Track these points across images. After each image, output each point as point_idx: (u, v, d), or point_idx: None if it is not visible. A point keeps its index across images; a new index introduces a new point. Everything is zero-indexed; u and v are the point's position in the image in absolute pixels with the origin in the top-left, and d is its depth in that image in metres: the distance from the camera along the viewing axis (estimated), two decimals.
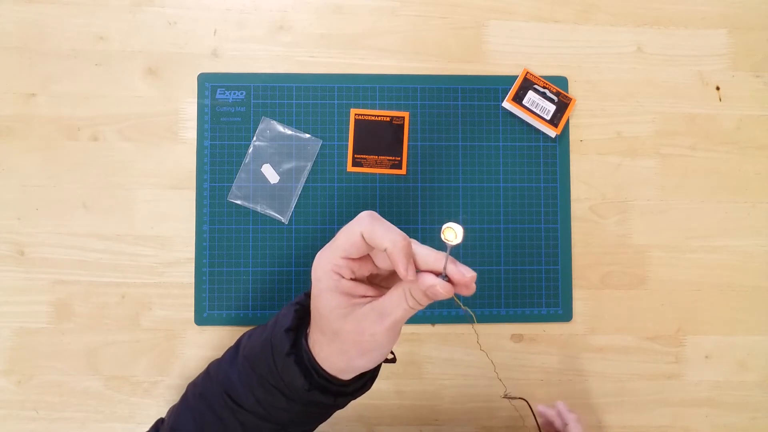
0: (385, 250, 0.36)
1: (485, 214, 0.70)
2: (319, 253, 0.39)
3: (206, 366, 0.48)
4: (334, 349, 0.39)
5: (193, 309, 0.68)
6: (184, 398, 0.48)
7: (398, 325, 0.38)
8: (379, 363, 0.42)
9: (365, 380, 0.44)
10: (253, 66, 0.71)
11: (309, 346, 0.41)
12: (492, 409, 0.69)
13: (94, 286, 0.68)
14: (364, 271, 0.39)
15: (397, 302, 0.38)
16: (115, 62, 0.70)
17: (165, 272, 0.69)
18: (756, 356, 0.71)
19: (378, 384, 0.50)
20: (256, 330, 0.45)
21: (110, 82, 0.70)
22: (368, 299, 0.39)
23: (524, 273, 0.70)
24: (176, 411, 0.47)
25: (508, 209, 0.70)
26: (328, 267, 0.38)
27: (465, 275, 0.36)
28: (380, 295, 0.39)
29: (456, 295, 0.37)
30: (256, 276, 0.69)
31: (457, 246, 0.35)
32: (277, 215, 0.69)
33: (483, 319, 0.70)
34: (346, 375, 0.41)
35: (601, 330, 0.70)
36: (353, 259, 0.38)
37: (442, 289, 0.37)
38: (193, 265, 0.68)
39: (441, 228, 0.35)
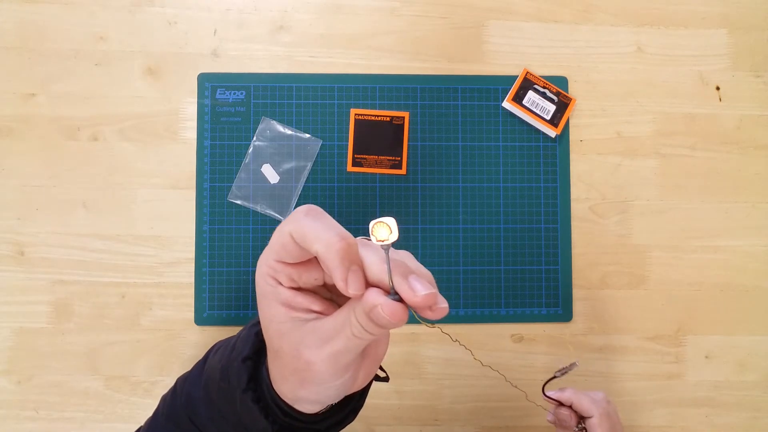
0: (317, 254, 0.27)
1: (485, 214, 0.70)
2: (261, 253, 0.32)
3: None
4: (276, 373, 0.32)
5: (193, 309, 0.68)
6: (155, 415, 0.42)
7: (342, 356, 0.29)
8: (332, 399, 0.32)
9: (346, 413, 0.35)
10: (253, 66, 0.71)
11: (268, 370, 0.33)
12: (492, 409, 0.69)
13: (94, 286, 0.68)
14: (310, 278, 0.30)
15: (340, 326, 0.29)
16: (115, 62, 0.70)
17: (165, 272, 0.69)
18: (756, 356, 0.71)
19: (378, 384, 0.50)
20: (222, 344, 0.37)
21: (110, 82, 0.70)
22: (314, 315, 0.30)
23: (524, 273, 0.70)
24: (148, 426, 0.42)
25: (508, 209, 0.70)
26: (263, 270, 0.30)
27: (417, 293, 0.26)
28: (331, 311, 0.31)
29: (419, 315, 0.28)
30: None
31: (389, 245, 0.27)
32: (277, 215, 0.69)
33: (483, 319, 0.70)
34: (301, 407, 0.32)
35: (601, 330, 0.70)
36: (292, 265, 0.30)
37: (385, 311, 0.26)
38: (193, 265, 0.68)
39: (369, 226, 0.27)
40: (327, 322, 0.29)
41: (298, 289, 0.31)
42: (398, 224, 0.27)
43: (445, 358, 0.69)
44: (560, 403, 0.56)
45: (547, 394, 0.56)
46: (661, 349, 0.71)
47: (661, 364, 0.71)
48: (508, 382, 0.48)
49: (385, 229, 0.27)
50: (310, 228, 0.28)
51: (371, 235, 0.27)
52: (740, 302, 0.71)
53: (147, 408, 0.68)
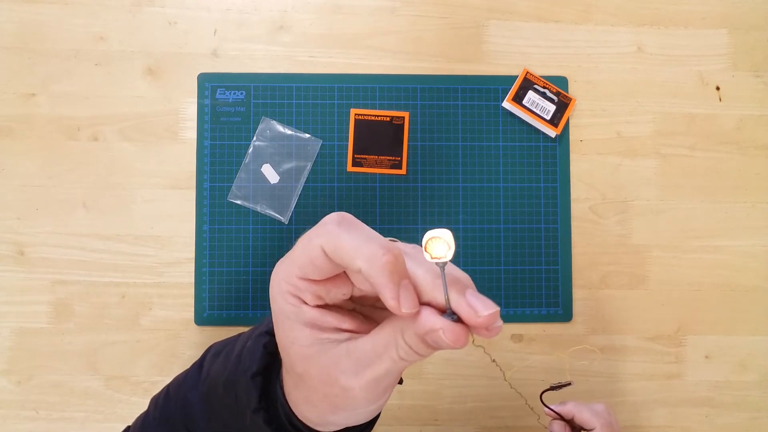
0: (359, 271, 0.24)
1: (485, 214, 0.70)
2: (277, 264, 0.28)
3: (169, 382, 0.40)
4: (300, 397, 0.28)
5: (193, 309, 0.68)
6: (147, 416, 0.40)
7: (383, 380, 0.26)
8: (363, 422, 0.30)
9: (362, 426, 0.32)
10: (253, 66, 0.71)
11: (284, 388, 0.30)
12: (492, 409, 0.69)
13: (94, 286, 0.68)
14: (338, 294, 0.27)
15: (382, 348, 0.25)
16: (115, 62, 0.70)
17: (165, 272, 0.69)
18: (756, 356, 0.71)
19: None
20: (223, 348, 0.35)
21: (110, 82, 0.70)
22: (345, 335, 0.27)
23: (524, 273, 0.70)
24: (139, 429, 0.40)
25: (508, 209, 0.70)
26: (283, 287, 0.26)
27: (479, 313, 0.24)
28: (364, 330, 0.27)
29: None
30: (256, 276, 0.69)
31: (446, 263, 0.24)
32: (277, 215, 0.69)
33: None
34: (325, 428, 0.29)
35: (601, 330, 0.70)
36: (318, 281, 0.26)
37: (447, 337, 0.24)
38: (193, 265, 0.68)
39: (422, 241, 0.24)
40: (364, 343, 0.26)
41: (324, 306, 0.27)
42: (453, 236, 0.24)
43: (445, 358, 0.69)
44: (561, 417, 0.56)
45: (549, 407, 0.56)
46: (661, 349, 0.71)
47: (661, 364, 0.71)
48: (523, 399, 0.47)
49: (442, 245, 0.23)
50: (347, 241, 0.24)
51: (425, 252, 0.24)
52: (740, 302, 0.71)
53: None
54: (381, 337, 0.26)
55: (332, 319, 0.27)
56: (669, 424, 0.70)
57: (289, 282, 0.26)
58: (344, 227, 0.25)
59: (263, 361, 0.30)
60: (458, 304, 0.24)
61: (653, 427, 0.70)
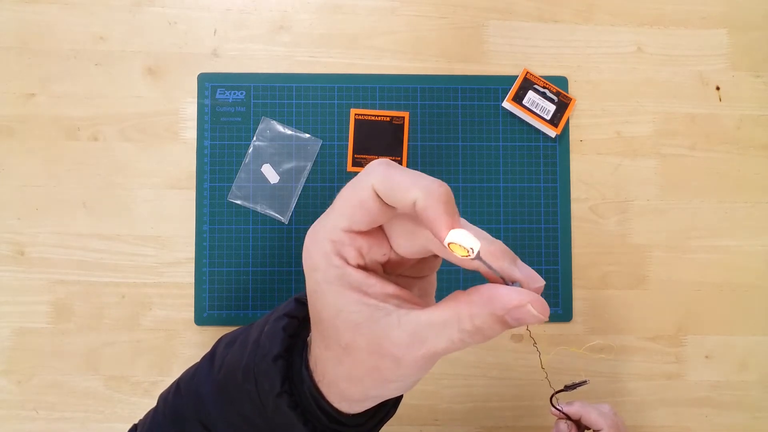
0: (413, 204, 0.23)
1: (485, 214, 0.70)
2: (311, 229, 0.26)
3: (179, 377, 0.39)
4: (342, 373, 0.27)
5: (193, 309, 0.68)
6: (156, 413, 0.39)
7: (438, 357, 0.25)
8: (404, 392, 0.29)
9: (388, 408, 0.32)
10: (253, 66, 0.71)
11: (310, 368, 0.29)
12: (492, 409, 0.69)
13: (94, 286, 0.68)
14: (377, 254, 0.26)
15: (441, 326, 0.24)
16: (115, 62, 0.70)
17: (165, 272, 0.69)
18: (756, 356, 0.71)
19: None
20: (236, 337, 0.33)
21: (110, 82, 0.70)
22: (393, 301, 0.26)
23: None
24: (148, 427, 0.39)
25: (508, 209, 0.70)
26: (327, 246, 0.25)
27: (533, 285, 0.24)
28: (409, 298, 0.26)
29: None
30: (256, 276, 0.69)
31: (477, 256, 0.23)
32: (277, 215, 0.69)
33: None
34: (360, 407, 0.29)
35: (601, 330, 0.70)
36: (361, 234, 0.25)
37: (537, 308, 0.23)
38: (193, 265, 0.68)
39: (447, 244, 0.23)
40: (420, 317, 0.25)
41: (365, 269, 0.26)
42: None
43: (444, 358, 0.69)
44: (568, 417, 0.56)
45: (557, 407, 0.56)
46: (661, 349, 0.71)
47: (662, 364, 0.71)
48: (552, 388, 0.46)
49: (467, 238, 0.22)
50: (400, 176, 0.23)
51: (453, 252, 0.23)
52: (740, 302, 0.71)
53: (147, 408, 0.68)
54: (440, 314, 0.24)
55: (377, 282, 0.26)
56: (669, 424, 0.70)
57: (334, 238, 0.25)
58: (393, 166, 0.24)
59: (284, 344, 0.29)
60: (520, 275, 0.24)
61: (653, 427, 0.70)
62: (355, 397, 0.27)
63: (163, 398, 0.39)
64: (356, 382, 0.26)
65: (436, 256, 0.28)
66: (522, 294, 0.23)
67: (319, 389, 0.28)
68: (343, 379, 0.27)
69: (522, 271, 0.24)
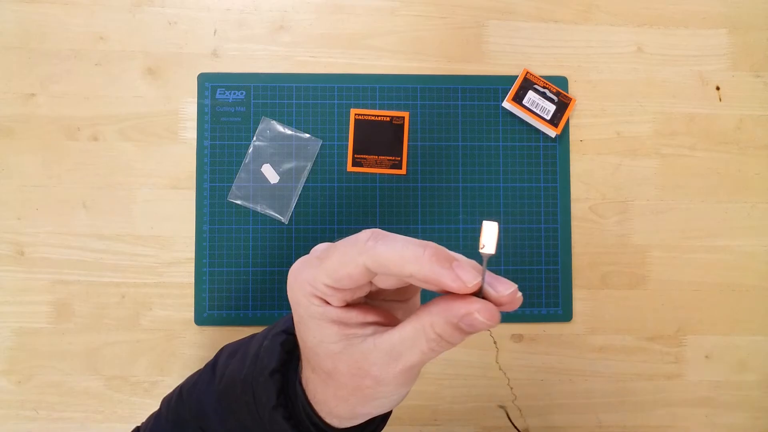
0: (410, 275, 0.25)
1: (485, 214, 0.70)
2: (295, 266, 0.29)
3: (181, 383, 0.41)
4: (329, 394, 0.29)
5: (193, 309, 0.68)
6: (159, 417, 0.41)
7: (415, 369, 0.27)
8: (391, 408, 0.31)
9: (377, 422, 0.34)
10: (253, 66, 0.71)
11: (303, 386, 0.31)
12: (492, 409, 0.69)
13: (94, 286, 0.68)
14: (360, 293, 0.28)
15: (411, 341, 0.27)
16: (115, 62, 0.70)
17: (165, 272, 0.69)
18: (756, 356, 0.71)
19: None
20: (238, 349, 0.36)
21: (110, 82, 0.70)
22: (371, 327, 0.28)
23: (524, 273, 0.70)
24: (150, 430, 0.40)
25: (508, 209, 0.70)
26: (308, 290, 0.28)
27: (503, 293, 0.26)
28: (387, 322, 0.29)
29: None
30: (256, 276, 0.69)
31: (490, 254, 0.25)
32: (277, 215, 0.69)
33: None
34: (350, 423, 0.31)
35: (601, 330, 0.70)
36: (345, 289, 0.27)
37: (484, 316, 0.25)
38: (193, 265, 0.68)
39: (486, 233, 0.26)
40: (391, 337, 0.27)
41: (349, 306, 0.28)
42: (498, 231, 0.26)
43: (445, 358, 0.69)
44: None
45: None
46: (661, 349, 0.71)
47: (661, 364, 0.71)
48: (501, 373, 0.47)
49: (493, 238, 0.26)
50: (388, 252, 0.25)
51: (491, 246, 0.25)
52: (740, 302, 0.71)
53: (147, 408, 0.68)
54: (408, 330, 0.27)
55: (357, 314, 0.28)
56: (669, 424, 0.70)
57: (316, 287, 0.27)
58: (381, 242, 0.26)
59: (281, 359, 0.31)
60: (486, 287, 0.26)
61: (653, 427, 0.70)
62: (344, 415, 0.29)
63: (166, 402, 0.40)
64: (343, 401, 0.28)
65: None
66: (471, 303, 0.25)
67: (312, 405, 0.30)
68: (331, 398, 0.29)
69: (495, 282, 0.26)
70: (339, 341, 0.27)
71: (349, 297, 0.28)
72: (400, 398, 0.30)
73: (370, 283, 0.28)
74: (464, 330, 0.26)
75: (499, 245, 0.70)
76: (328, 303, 0.28)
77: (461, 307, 0.25)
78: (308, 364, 0.30)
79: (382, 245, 0.26)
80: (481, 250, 0.25)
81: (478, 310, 0.25)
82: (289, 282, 0.29)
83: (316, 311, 0.28)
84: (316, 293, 0.27)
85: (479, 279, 0.25)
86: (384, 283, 0.28)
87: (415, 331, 0.26)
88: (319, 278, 0.27)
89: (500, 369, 0.43)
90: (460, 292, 0.25)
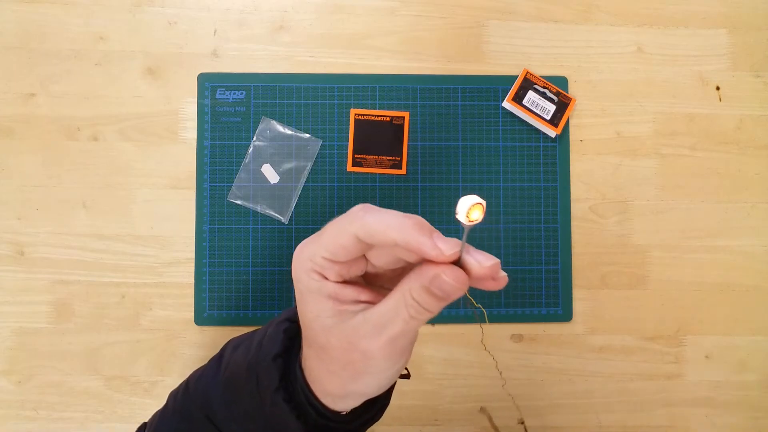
0: (395, 242, 0.27)
1: (485, 214, 0.70)
2: (300, 245, 0.31)
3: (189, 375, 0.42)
4: (323, 369, 0.31)
5: (193, 309, 0.68)
6: (165, 410, 0.42)
7: (399, 341, 0.29)
8: (383, 389, 0.32)
9: (374, 411, 0.35)
10: (253, 66, 0.71)
11: (302, 367, 0.33)
12: (492, 409, 0.69)
13: (94, 286, 0.68)
14: (356, 270, 0.31)
15: (394, 310, 0.28)
16: (115, 62, 0.70)
17: (165, 272, 0.69)
18: (756, 356, 0.71)
19: None
20: (242, 341, 0.37)
21: (110, 82, 0.70)
22: (362, 306, 0.30)
23: (524, 273, 0.70)
24: (157, 424, 0.41)
25: (508, 209, 0.70)
26: (308, 266, 0.30)
27: (483, 264, 0.27)
28: (379, 301, 0.30)
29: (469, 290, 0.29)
30: (256, 276, 0.69)
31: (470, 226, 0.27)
32: (277, 215, 0.69)
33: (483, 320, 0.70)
34: (344, 404, 0.32)
35: (601, 330, 0.70)
36: (342, 262, 0.30)
37: (450, 277, 0.27)
38: (193, 265, 0.69)
39: (460, 204, 0.27)
40: (378, 309, 0.29)
41: (343, 282, 0.30)
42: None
43: (445, 358, 0.69)
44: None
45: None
46: (661, 349, 0.71)
47: (661, 364, 0.71)
48: (497, 372, 0.47)
49: (479, 211, 0.27)
50: (376, 223, 0.28)
51: (462, 215, 0.26)
52: (740, 302, 0.71)
53: (147, 408, 0.68)
54: (392, 300, 0.29)
55: (351, 291, 0.30)
56: (669, 424, 0.70)
57: (315, 261, 0.29)
58: (369, 213, 0.28)
59: (284, 345, 0.33)
60: (466, 259, 0.27)
61: (653, 427, 0.70)
62: (336, 392, 0.31)
63: (173, 396, 0.41)
64: (334, 376, 0.30)
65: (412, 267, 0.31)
66: (440, 266, 0.27)
67: (309, 385, 0.32)
68: (324, 374, 0.31)
69: (474, 255, 0.27)
70: (333, 316, 0.29)
71: (345, 272, 0.30)
72: (389, 378, 0.31)
73: (366, 260, 0.31)
74: (435, 294, 0.27)
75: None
76: (326, 278, 0.30)
77: (431, 270, 0.27)
78: (306, 341, 0.32)
79: (370, 216, 0.28)
80: (456, 216, 0.27)
81: (444, 272, 0.27)
82: (293, 261, 0.31)
83: (314, 285, 0.30)
84: (315, 268, 0.29)
85: (457, 249, 0.27)
86: (378, 260, 0.30)
87: (397, 301, 0.28)
88: (318, 252, 0.29)
89: (497, 368, 0.43)
90: (439, 260, 0.27)
